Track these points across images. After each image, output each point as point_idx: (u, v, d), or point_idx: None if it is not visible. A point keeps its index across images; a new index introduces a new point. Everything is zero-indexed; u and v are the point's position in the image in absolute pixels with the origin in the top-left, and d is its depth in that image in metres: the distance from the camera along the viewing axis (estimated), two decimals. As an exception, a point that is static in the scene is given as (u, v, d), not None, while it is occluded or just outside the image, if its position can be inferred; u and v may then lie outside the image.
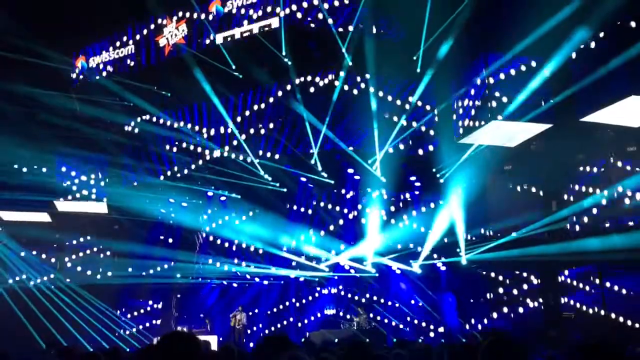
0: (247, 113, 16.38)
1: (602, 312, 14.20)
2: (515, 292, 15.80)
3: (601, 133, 12.98)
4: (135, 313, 20.53)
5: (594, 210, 13.77)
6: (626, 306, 14.05)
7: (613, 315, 14.06)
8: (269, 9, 15.07)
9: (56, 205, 18.65)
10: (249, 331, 18.69)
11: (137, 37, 17.33)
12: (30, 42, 15.35)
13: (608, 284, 14.57)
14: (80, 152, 18.08)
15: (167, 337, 3.13)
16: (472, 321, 16.37)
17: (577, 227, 14.20)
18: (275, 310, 19.91)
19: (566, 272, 15.13)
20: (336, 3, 14.60)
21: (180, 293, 20.73)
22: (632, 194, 13.15)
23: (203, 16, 15.94)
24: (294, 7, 14.78)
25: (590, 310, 14.66)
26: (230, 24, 15.62)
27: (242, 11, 15.42)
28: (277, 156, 16.56)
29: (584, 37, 11.10)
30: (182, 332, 3.21)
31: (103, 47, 17.93)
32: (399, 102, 14.85)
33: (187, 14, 16.46)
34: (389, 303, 18.18)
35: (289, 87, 15.59)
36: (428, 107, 14.75)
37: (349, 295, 18.94)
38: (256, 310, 19.82)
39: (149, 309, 20.85)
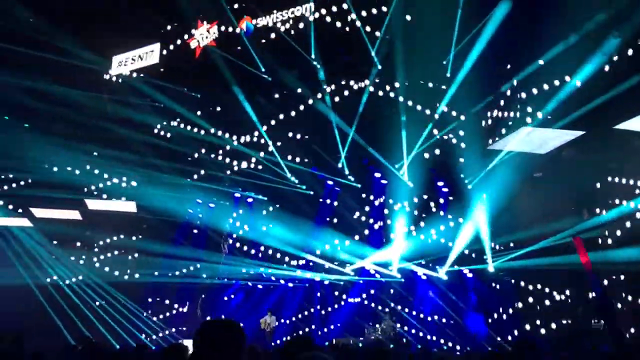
0: (276, 115, 16.44)
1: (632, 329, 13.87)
2: (543, 301, 15.52)
3: (635, 141, 12.70)
4: (161, 313, 20.76)
5: (626, 220, 13.49)
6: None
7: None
8: (299, 20, 15.13)
9: (87, 204, 18.98)
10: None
11: (169, 39, 17.55)
12: (65, 43, 15.67)
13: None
14: (111, 152, 18.36)
15: (211, 324, 2.95)
16: (499, 330, 16.13)
17: (608, 237, 13.91)
18: (299, 313, 19.92)
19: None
20: (366, 7, 14.58)
21: (205, 293, 20.89)
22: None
23: (234, 21, 16.09)
24: (323, 11, 14.81)
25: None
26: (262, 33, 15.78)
27: (275, 25, 15.54)
28: (305, 159, 16.60)
29: (618, 43, 10.88)
30: (227, 319, 3.03)
31: (135, 48, 18.20)
32: (428, 107, 14.73)
33: (219, 19, 16.62)
34: (414, 309, 18.04)
35: (317, 90, 15.62)
36: (457, 112, 14.61)
37: (374, 301, 18.85)
38: (281, 313, 19.85)
39: (175, 308, 21.06)
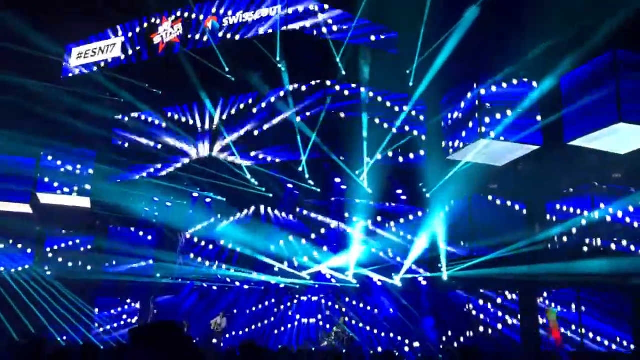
0: (238, 116, 16.35)
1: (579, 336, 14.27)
2: (493, 311, 15.85)
3: (588, 158, 13.09)
4: (112, 311, 20.33)
5: (576, 234, 13.89)
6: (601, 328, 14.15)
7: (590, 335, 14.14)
8: (266, 22, 15.11)
9: (39, 197, 18.46)
10: (227, 335, 18.55)
11: (131, 33, 17.27)
12: (22, 31, 15.20)
13: (584, 308, 14.65)
14: (66, 145, 17.92)
15: (155, 327, 2.86)
16: (450, 338, 16.38)
17: (558, 250, 14.29)
18: (254, 316, 19.79)
19: (545, 294, 15.17)
20: (333, 13, 14.67)
21: (159, 293, 20.55)
22: (613, 220, 13.30)
23: (201, 17, 15.94)
24: (292, 16, 14.82)
25: (567, 333, 14.74)
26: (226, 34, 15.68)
27: (241, 26, 15.46)
28: (265, 159, 16.55)
29: (575, 62, 11.22)
30: (171, 321, 2.93)
31: (96, 41, 17.84)
32: (389, 115, 14.89)
33: (185, 14, 16.45)
34: (368, 315, 18.15)
35: (281, 92, 15.60)
36: (418, 121, 14.82)
37: (329, 305, 18.89)
38: (235, 315, 19.69)
39: (126, 307, 20.65)
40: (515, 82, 12.60)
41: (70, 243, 19.99)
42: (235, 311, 19.64)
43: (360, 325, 17.97)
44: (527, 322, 15.10)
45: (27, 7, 15.51)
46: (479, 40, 12.72)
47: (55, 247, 19.99)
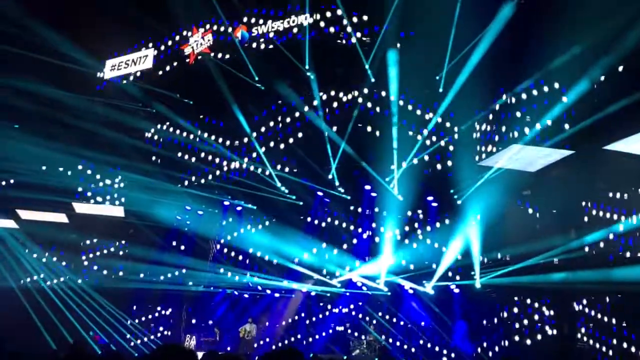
0: (267, 124, 16.43)
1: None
2: (529, 319, 15.54)
3: (625, 162, 12.77)
4: (144, 318, 20.56)
5: (614, 240, 13.55)
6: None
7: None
8: (295, 30, 15.18)
9: (74, 207, 18.81)
10: (256, 345, 18.57)
11: (163, 44, 17.53)
12: (57, 45, 15.58)
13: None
14: (100, 155, 18.24)
15: (162, 349, 3.02)
16: (484, 347, 16.12)
17: (596, 256, 13.95)
18: (284, 323, 19.80)
19: (584, 302, 14.80)
20: (362, 19, 14.66)
21: (191, 301, 20.73)
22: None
23: (230, 29, 16.09)
24: (321, 24, 14.86)
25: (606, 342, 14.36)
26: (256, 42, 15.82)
27: (270, 34, 15.58)
28: (295, 169, 16.59)
29: (610, 64, 10.97)
30: (179, 345, 3.09)
31: (129, 53, 18.14)
32: (419, 121, 14.77)
33: (214, 27, 16.61)
34: (400, 323, 17.99)
35: (310, 101, 15.62)
36: (448, 127, 14.68)
37: (360, 313, 18.79)
38: (266, 323, 19.74)
39: (160, 315, 20.87)
40: (547, 85, 12.37)
41: (105, 251, 20.31)
42: (266, 320, 19.71)
43: (392, 333, 17.83)
44: (565, 330, 14.79)
45: (63, 20, 15.93)
46: (510, 44, 12.56)
47: (91, 255, 20.35)
